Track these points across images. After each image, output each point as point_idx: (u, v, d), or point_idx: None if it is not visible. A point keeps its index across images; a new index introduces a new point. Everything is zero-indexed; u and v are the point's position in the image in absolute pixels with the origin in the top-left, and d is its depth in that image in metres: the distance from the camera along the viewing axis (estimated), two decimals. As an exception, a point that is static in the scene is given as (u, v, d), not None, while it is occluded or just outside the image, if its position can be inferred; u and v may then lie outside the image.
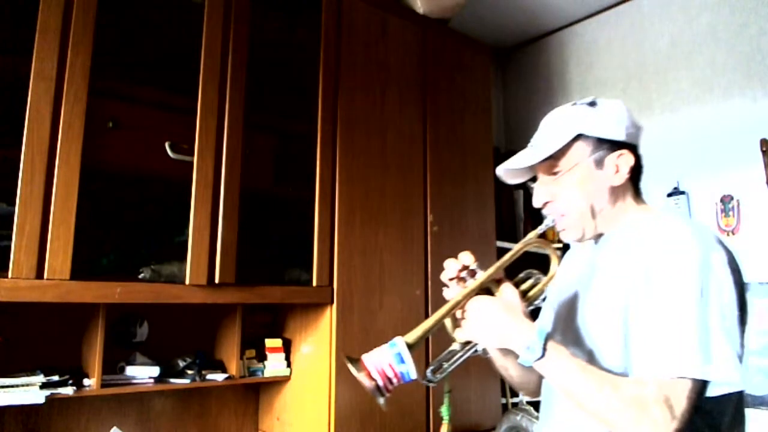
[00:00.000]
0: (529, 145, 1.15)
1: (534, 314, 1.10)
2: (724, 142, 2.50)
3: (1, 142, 1.46)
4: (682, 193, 2.57)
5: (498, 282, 1.07)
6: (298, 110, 2.15)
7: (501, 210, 2.83)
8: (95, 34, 1.58)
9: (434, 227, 2.32)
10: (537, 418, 2.16)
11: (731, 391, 0.93)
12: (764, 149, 2.35)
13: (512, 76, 3.52)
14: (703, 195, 2.53)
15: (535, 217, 3.08)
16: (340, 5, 2.16)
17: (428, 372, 1.10)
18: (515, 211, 3.05)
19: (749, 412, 2.43)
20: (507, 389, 2.65)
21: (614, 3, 3.00)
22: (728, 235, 2.42)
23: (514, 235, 2.96)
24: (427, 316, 2.23)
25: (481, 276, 1.06)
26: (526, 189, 3.06)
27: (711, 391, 0.92)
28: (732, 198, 2.44)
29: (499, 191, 2.69)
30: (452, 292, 1.08)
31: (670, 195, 2.58)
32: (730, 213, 2.44)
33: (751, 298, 2.28)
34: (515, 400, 2.67)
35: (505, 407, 2.54)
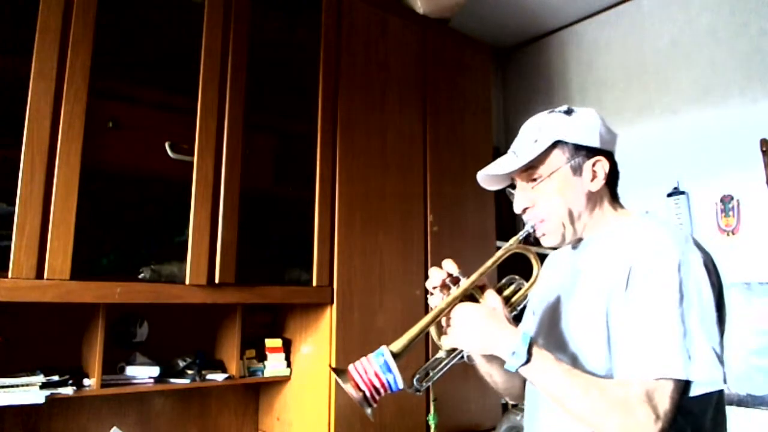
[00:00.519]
0: (509, 151, 1.17)
1: (517, 319, 1.11)
2: (724, 142, 2.50)
3: (1, 142, 1.46)
4: (682, 193, 2.56)
5: (481, 288, 1.09)
6: (298, 110, 2.15)
7: (501, 210, 2.83)
8: (95, 34, 1.58)
9: (434, 227, 2.32)
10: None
11: (712, 391, 0.95)
12: (764, 149, 2.35)
13: (512, 76, 3.52)
14: (703, 195, 2.53)
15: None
16: (340, 5, 2.16)
17: (414, 380, 1.10)
18: (515, 211, 3.04)
19: (750, 413, 2.44)
20: (507, 389, 2.65)
21: (614, 3, 3.00)
22: (728, 235, 2.43)
23: (513, 235, 2.96)
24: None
25: (465, 283, 1.07)
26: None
27: (693, 391, 0.94)
28: (732, 198, 2.44)
29: (499, 191, 2.69)
30: (436, 300, 1.10)
31: (670, 195, 2.58)
32: (730, 213, 2.44)
33: (751, 298, 2.29)
34: (515, 400, 2.67)
35: (505, 407, 2.54)
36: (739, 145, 2.44)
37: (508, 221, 2.99)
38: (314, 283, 1.96)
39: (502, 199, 2.95)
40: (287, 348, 2.13)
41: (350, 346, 1.98)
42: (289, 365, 2.11)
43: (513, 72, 3.52)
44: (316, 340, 2.03)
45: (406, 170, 2.27)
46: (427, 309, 2.25)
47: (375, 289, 2.10)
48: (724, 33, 2.56)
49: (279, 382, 2.13)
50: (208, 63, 1.79)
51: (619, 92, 2.93)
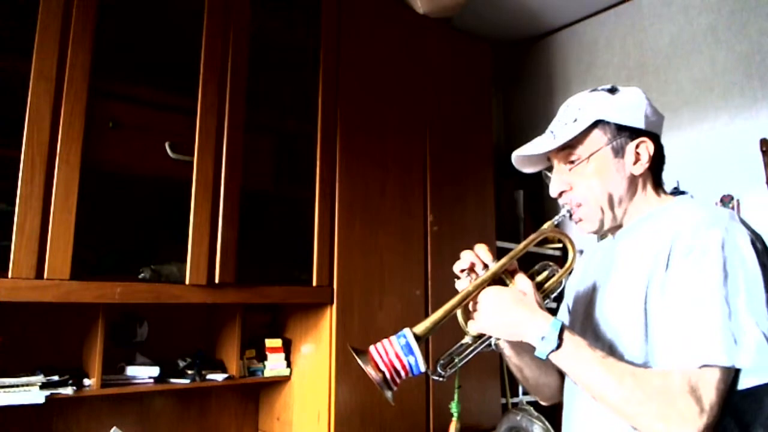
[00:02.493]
0: (547, 131, 1.10)
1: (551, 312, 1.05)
2: (724, 141, 2.50)
3: (1, 142, 1.46)
4: (682, 193, 2.56)
5: (512, 273, 1.03)
6: (298, 110, 2.15)
7: (501, 210, 2.83)
8: (95, 34, 1.58)
9: (434, 227, 2.32)
10: (537, 418, 2.15)
11: (765, 382, 0.86)
12: (764, 149, 2.34)
13: (512, 76, 3.52)
14: (703, 195, 2.53)
15: (536, 217, 3.09)
16: (340, 5, 2.16)
17: (438, 366, 1.05)
18: (515, 211, 3.05)
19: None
20: (507, 389, 2.65)
21: (614, 3, 2.99)
22: (728, 235, 2.42)
23: (514, 235, 2.96)
24: (426, 316, 2.22)
25: (494, 266, 1.01)
26: (525, 188, 3.06)
27: (742, 383, 0.86)
28: (732, 198, 2.44)
29: (499, 191, 2.69)
30: (464, 284, 1.03)
31: (669, 195, 2.58)
32: (730, 213, 2.44)
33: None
34: (515, 400, 2.67)
35: (505, 407, 2.54)
36: (739, 144, 2.44)
37: (508, 221, 2.99)
38: (314, 283, 1.96)
39: (503, 199, 2.95)
40: (287, 348, 2.13)
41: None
42: (289, 365, 2.11)
43: (513, 72, 3.52)
44: (316, 340, 2.03)
45: (406, 170, 2.27)
46: (427, 309, 2.27)
47: (375, 289, 2.10)
48: (724, 33, 2.56)
49: (279, 382, 2.13)
50: (208, 63, 1.79)
51: (619, 92, 2.92)
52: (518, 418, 2.27)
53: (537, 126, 3.30)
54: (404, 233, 2.22)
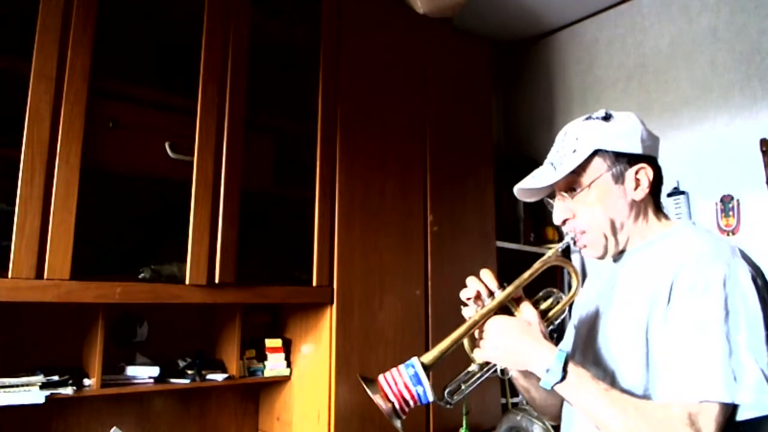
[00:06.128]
0: (546, 162, 1.12)
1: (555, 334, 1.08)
2: (724, 141, 2.50)
3: (1, 142, 1.46)
4: (682, 193, 2.56)
5: (517, 301, 1.06)
6: (298, 110, 2.15)
7: (501, 210, 2.83)
8: (95, 34, 1.58)
9: (434, 227, 2.32)
10: (537, 418, 2.15)
11: (763, 414, 0.88)
12: (764, 149, 2.34)
13: (512, 76, 3.52)
14: (703, 195, 2.53)
15: (536, 217, 3.09)
16: (340, 5, 2.16)
17: (445, 393, 1.08)
18: (515, 211, 3.04)
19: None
20: (507, 389, 2.65)
21: (614, 3, 3.00)
22: (728, 235, 2.42)
23: (514, 235, 2.96)
24: (426, 316, 2.23)
25: (500, 295, 1.04)
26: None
27: (741, 415, 0.88)
28: (732, 198, 2.44)
29: (499, 191, 2.69)
30: (470, 311, 1.06)
31: (670, 195, 2.58)
32: (730, 213, 2.44)
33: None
34: (515, 400, 2.67)
35: (505, 407, 2.54)
36: (739, 145, 2.44)
37: (508, 221, 2.99)
38: (314, 283, 1.96)
39: (503, 199, 2.95)
40: (287, 348, 2.13)
41: (350, 346, 1.98)
42: (289, 365, 2.11)
43: (513, 71, 3.52)
44: (316, 340, 2.03)
45: (406, 170, 2.27)
46: (427, 309, 2.27)
47: (375, 289, 2.10)
48: (724, 33, 2.56)
49: (279, 382, 2.13)
50: (208, 63, 1.79)
51: (619, 92, 2.93)
52: (518, 418, 2.27)
53: (537, 126, 3.31)
54: (404, 233, 2.22)
